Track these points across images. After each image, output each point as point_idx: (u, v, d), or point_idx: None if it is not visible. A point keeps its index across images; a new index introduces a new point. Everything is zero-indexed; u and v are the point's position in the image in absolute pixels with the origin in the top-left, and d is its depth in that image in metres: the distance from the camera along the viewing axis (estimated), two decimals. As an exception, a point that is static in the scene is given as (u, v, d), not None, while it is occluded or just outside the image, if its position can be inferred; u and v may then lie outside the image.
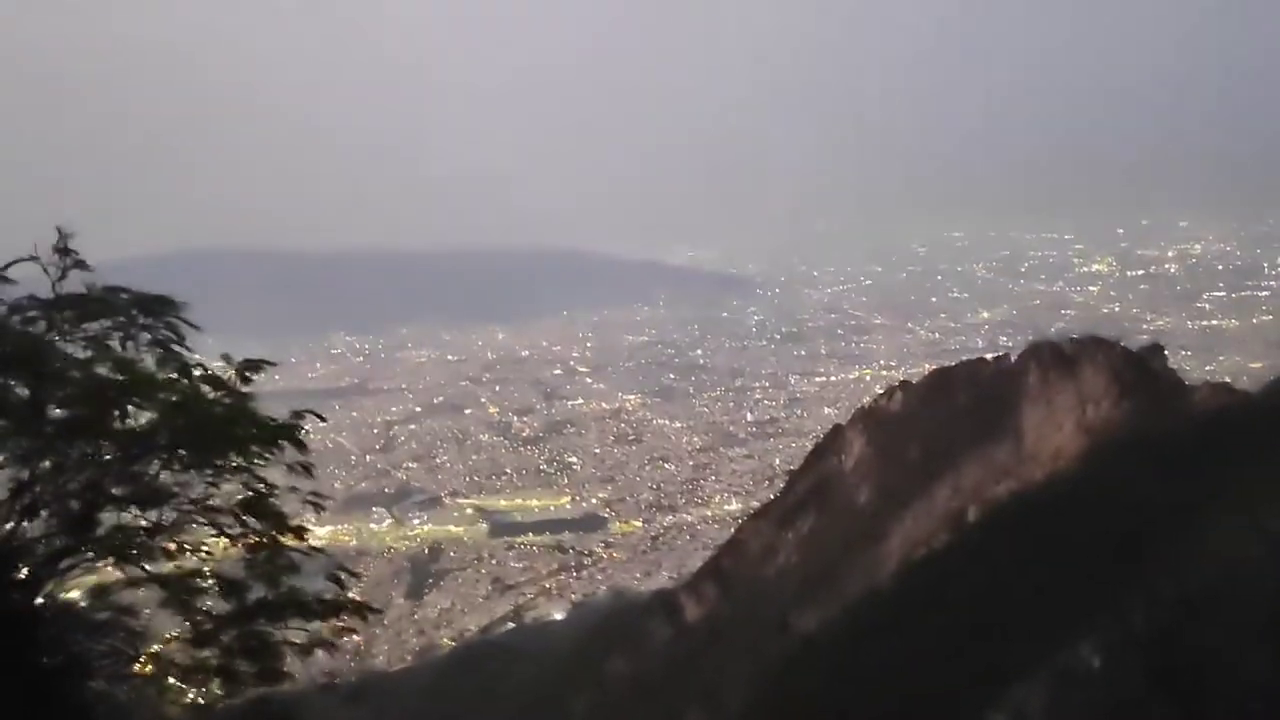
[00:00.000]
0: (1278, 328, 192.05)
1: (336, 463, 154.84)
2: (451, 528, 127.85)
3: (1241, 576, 18.52)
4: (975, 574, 28.74)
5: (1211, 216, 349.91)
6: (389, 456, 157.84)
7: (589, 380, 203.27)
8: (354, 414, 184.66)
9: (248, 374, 9.63)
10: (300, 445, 9.87)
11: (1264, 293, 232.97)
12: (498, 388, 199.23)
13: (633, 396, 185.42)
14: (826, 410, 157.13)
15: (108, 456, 8.79)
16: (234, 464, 9.25)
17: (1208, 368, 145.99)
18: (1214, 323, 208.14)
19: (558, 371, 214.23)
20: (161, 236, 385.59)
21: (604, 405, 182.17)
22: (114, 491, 8.66)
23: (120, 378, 9.13)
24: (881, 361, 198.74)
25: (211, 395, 9.39)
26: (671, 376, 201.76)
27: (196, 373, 9.39)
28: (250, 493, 9.58)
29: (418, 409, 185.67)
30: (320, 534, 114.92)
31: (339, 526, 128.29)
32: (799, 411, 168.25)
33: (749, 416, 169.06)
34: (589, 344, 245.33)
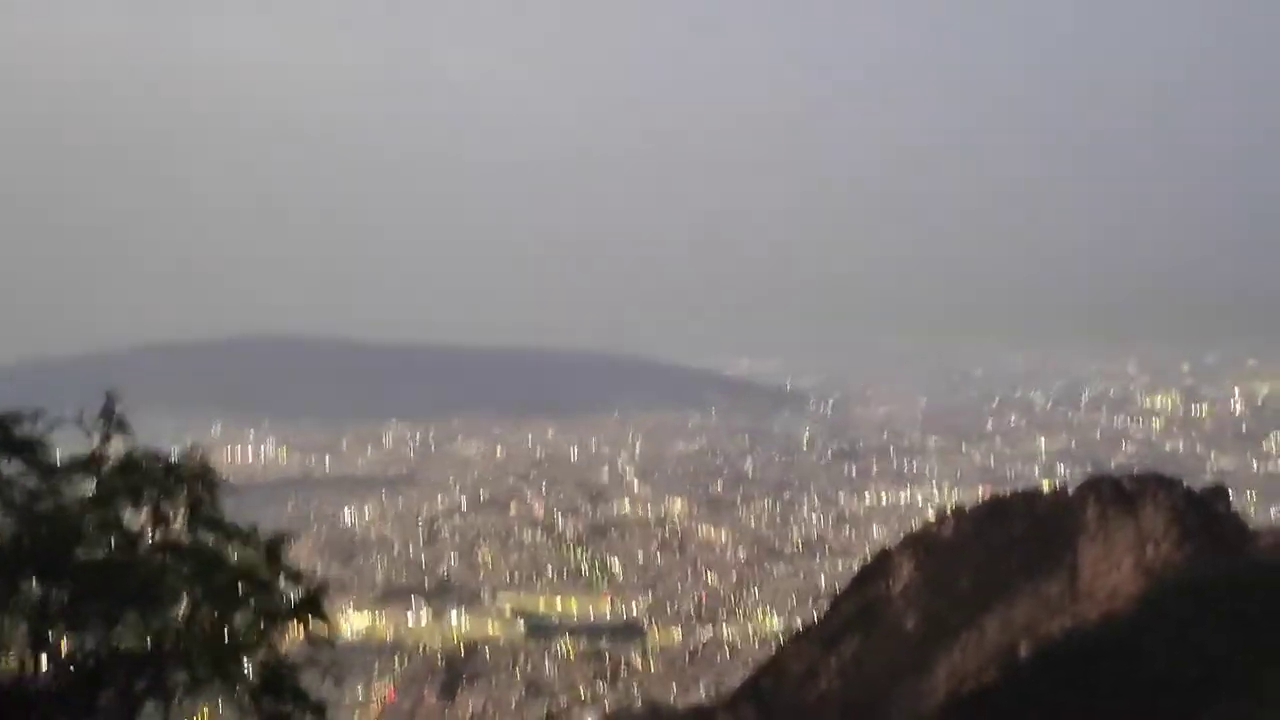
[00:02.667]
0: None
1: (379, 552, 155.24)
2: (489, 626, 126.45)
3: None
4: (1024, 714, 27.74)
5: (1277, 358, 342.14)
6: (431, 549, 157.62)
7: (636, 484, 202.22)
8: (400, 503, 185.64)
9: (273, 552, 9.90)
10: (324, 619, 10.04)
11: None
12: (544, 485, 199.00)
13: (679, 504, 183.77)
14: (876, 531, 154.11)
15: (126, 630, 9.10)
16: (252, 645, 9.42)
17: (1273, 512, 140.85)
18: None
19: (605, 473, 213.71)
20: (224, 319, 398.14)
21: (649, 511, 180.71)
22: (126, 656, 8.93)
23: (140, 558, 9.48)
24: (934, 485, 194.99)
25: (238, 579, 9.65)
26: (719, 486, 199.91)
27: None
28: (267, 669, 9.69)
29: (463, 502, 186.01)
30: (358, 625, 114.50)
31: (377, 619, 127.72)
32: (847, 531, 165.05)
33: (796, 532, 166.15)
34: (638, 448, 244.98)
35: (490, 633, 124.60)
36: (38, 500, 9.25)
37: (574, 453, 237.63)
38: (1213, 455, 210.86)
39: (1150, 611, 34.73)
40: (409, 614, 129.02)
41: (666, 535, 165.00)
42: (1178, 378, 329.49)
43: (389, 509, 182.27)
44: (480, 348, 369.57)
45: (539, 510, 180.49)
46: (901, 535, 65.79)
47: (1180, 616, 29.62)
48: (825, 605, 75.96)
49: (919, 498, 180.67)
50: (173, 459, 10.26)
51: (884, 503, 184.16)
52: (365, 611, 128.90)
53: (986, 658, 40.58)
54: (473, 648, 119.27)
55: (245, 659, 9.85)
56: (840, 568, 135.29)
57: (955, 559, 54.10)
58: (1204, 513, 46.87)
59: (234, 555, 9.95)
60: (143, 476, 9.79)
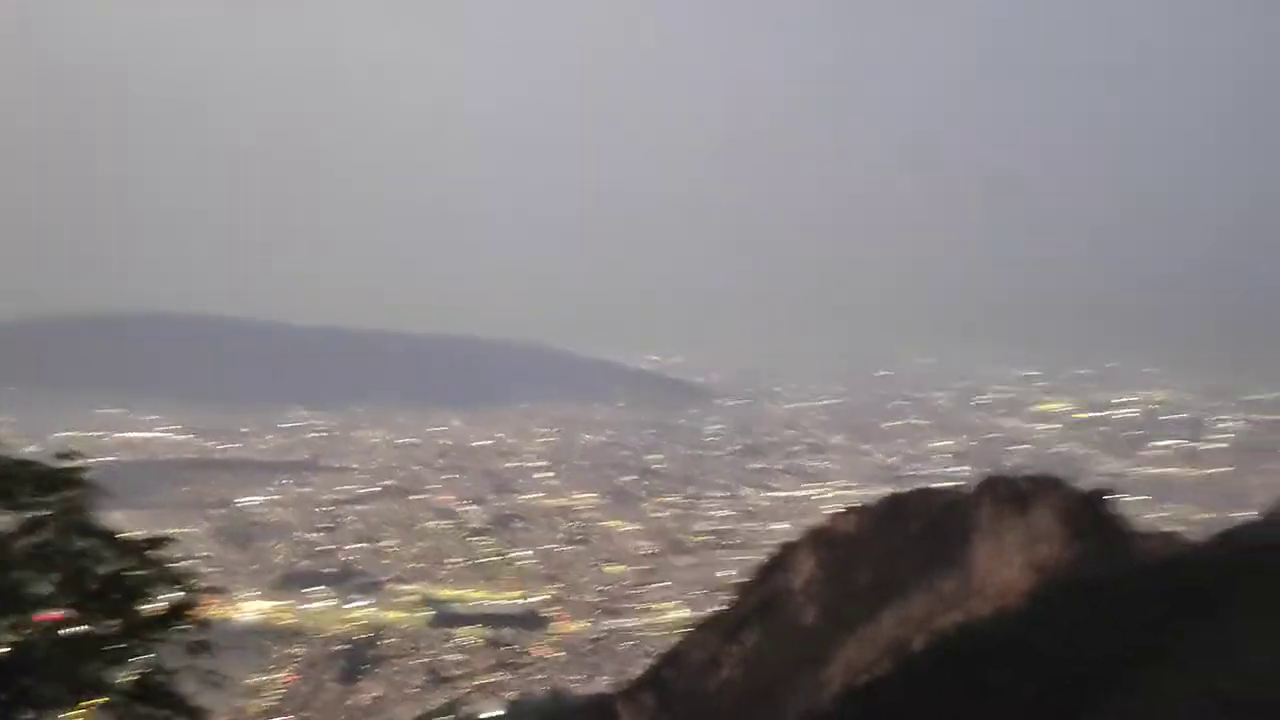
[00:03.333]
0: (1225, 481, 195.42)
1: (279, 537, 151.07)
2: (391, 614, 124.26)
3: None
4: (915, 706, 28.31)
5: (1178, 365, 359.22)
6: (333, 536, 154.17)
7: (542, 476, 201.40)
8: (301, 490, 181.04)
9: (149, 555, 9.36)
10: (200, 624, 9.54)
11: (1215, 446, 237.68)
12: (450, 475, 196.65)
13: (585, 496, 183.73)
14: (778, 526, 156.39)
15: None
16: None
17: (1156, 515, 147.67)
18: (1166, 471, 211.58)
19: (512, 464, 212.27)
20: (121, 295, 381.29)
21: (556, 502, 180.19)
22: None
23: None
24: (837, 481, 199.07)
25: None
26: (626, 479, 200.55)
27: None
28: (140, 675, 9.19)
29: (367, 490, 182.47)
30: (256, 610, 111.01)
31: (276, 604, 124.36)
32: (750, 525, 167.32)
33: (700, 526, 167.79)
34: (545, 439, 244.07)
35: (392, 620, 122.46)
36: None
37: (480, 442, 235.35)
38: (1103, 459, 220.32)
39: (1038, 608, 35.80)
40: (309, 600, 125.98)
41: (572, 526, 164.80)
42: (1076, 383, 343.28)
43: (289, 494, 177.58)
44: (388, 333, 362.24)
45: (444, 499, 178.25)
46: (804, 530, 66.65)
47: (1066, 613, 30.55)
48: (728, 597, 76.66)
49: (822, 494, 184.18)
50: (47, 463, 9.68)
51: (788, 498, 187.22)
52: (263, 598, 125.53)
53: (881, 650, 41.41)
54: (374, 635, 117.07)
55: (118, 666, 9.35)
56: (743, 561, 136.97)
57: (855, 554, 55.02)
58: (1092, 514, 48.53)
59: (109, 560, 9.48)
60: (13, 481, 9.24)
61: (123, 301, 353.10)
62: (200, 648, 9.54)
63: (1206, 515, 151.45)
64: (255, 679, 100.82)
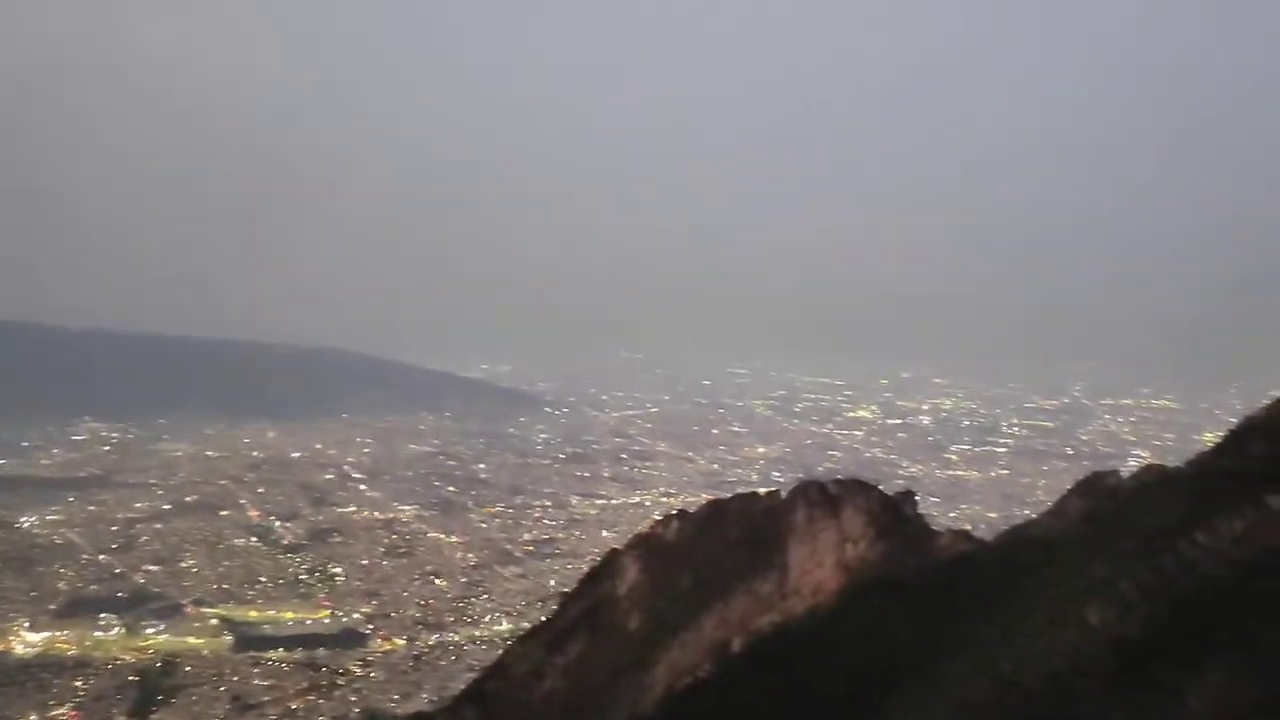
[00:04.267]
0: (1010, 482, 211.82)
1: (64, 560, 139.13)
2: (191, 639, 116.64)
3: (972, 718, 19.70)
4: (733, 705, 29.12)
5: (963, 377, 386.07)
6: (127, 557, 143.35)
7: (363, 488, 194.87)
8: (91, 508, 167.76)
9: None
10: None
11: (1000, 449, 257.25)
12: (261, 489, 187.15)
13: (408, 507, 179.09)
14: (605, 533, 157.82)
15: None
16: None
17: (951, 515, 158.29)
18: (958, 473, 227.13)
19: (330, 476, 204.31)
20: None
21: (376, 514, 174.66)
22: None
23: None
24: (662, 488, 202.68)
25: None
26: (451, 489, 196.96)
27: None
28: None
29: (167, 507, 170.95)
30: (33, 641, 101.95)
31: (57, 633, 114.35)
32: (577, 533, 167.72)
33: (527, 535, 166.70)
34: (367, 450, 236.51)
35: (193, 645, 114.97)
36: None
37: (297, 455, 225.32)
38: (905, 463, 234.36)
39: (846, 605, 37.61)
40: (97, 628, 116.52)
41: (393, 540, 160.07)
42: (877, 392, 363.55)
43: (77, 514, 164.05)
44: (194, 340, 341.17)
45: (253, 515, 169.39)
46: (629, 537, 67.41)
47: (871, 609, 32.21)
48: (553, 607, 76.52)
49: (647, 501, 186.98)
50: None
51: (614, 506, 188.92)
52: (43, 627, 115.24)
53: (702, 653, 42.37)
54: (172, 662, 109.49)
55: None
56: (570, 569, 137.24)
57: (678, 560, 56.07)
58: (895, 515, 51.40)
59: None
60: None
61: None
62: None
63: (993, 514, 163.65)
64: (31, 718, 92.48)
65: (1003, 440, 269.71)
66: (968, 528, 58.85)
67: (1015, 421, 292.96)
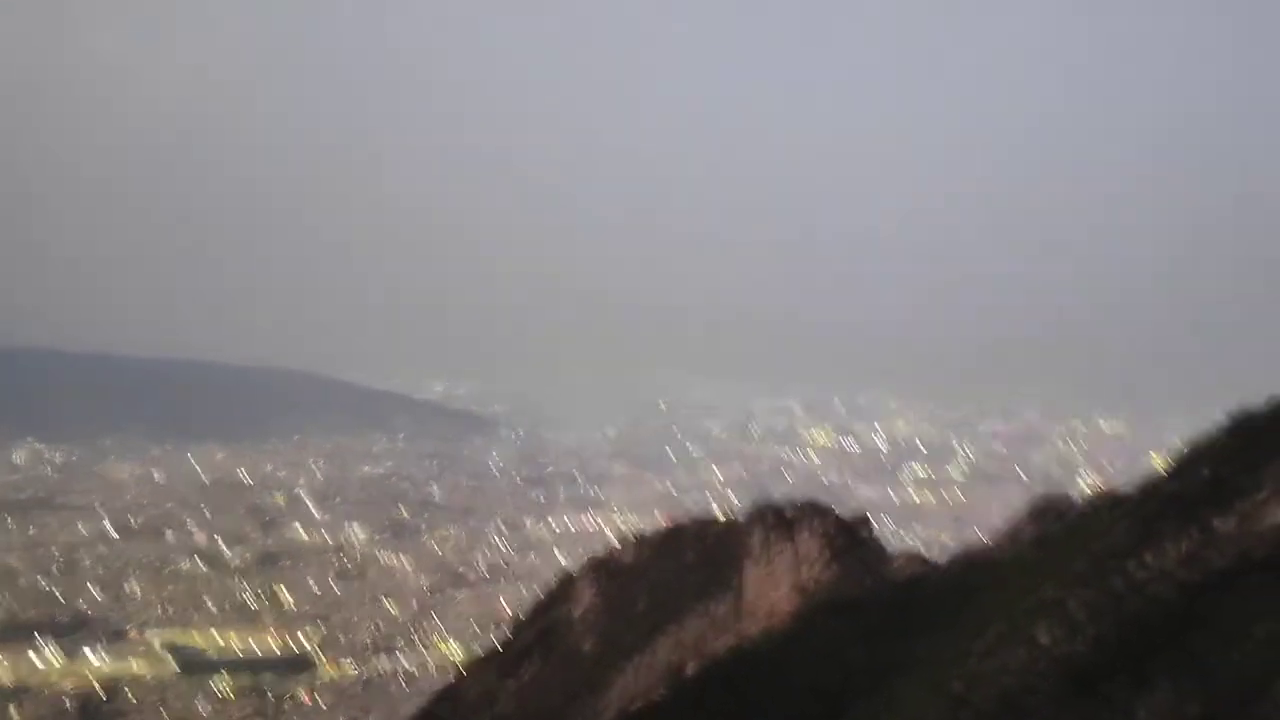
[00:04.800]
0: (963, 505, 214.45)
1: (1, 585, 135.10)
2: (134, 665, 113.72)
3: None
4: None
5: (917, 399, 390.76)
6: (67, 581, 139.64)
7: (314, 510, 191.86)
8: (31, 531, 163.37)
9: None
10: None
11: (954, 472, 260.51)
12: (208, 513, 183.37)
13: (360, 530, 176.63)
14: (560, 557, 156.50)
15: None
16: None
17: (906, 537, 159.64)
18: (912, 496, 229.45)
19: (279, 499, 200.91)
20: None
21: (327, 538, 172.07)
22: None
23: None
24: (618, 511, 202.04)
25: None
26: (404, 512, 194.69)
27: None
28: None
29: (110, 530, 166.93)
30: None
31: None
32: (532, 556, 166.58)
33: (481, 558, 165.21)
34: (318, 472, 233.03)
35: (136, 671, 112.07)
36: None
37: (245, 477, 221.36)
38: (859, 486, 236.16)
39: (801, 626, 37.60)
40: (33, 654, 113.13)
41: (344, 563, 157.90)
42: (833, 414, 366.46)
43: (17, 537, 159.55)
44: (139, 358, 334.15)
45: (200, 538, 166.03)
46: (584, 560, 67.05)
47: (826, 630, 32.27)
48: (507, 630, 75.71)
49: (603, 524, 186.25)
50: None
51: (570, 529, 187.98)
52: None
53: (657, 676, 42.07)
54: (113, 688, 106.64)
55: None
56: (524, 593, 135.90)
57: (634, 583, 55.80)
58: (850, 537, 51.62)
59: None
60: None
61: None
62: None
63: (948, 538, 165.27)
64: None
65: (956, 463, 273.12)
66: (921, 550, 59.41)
67: (969, 445, 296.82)
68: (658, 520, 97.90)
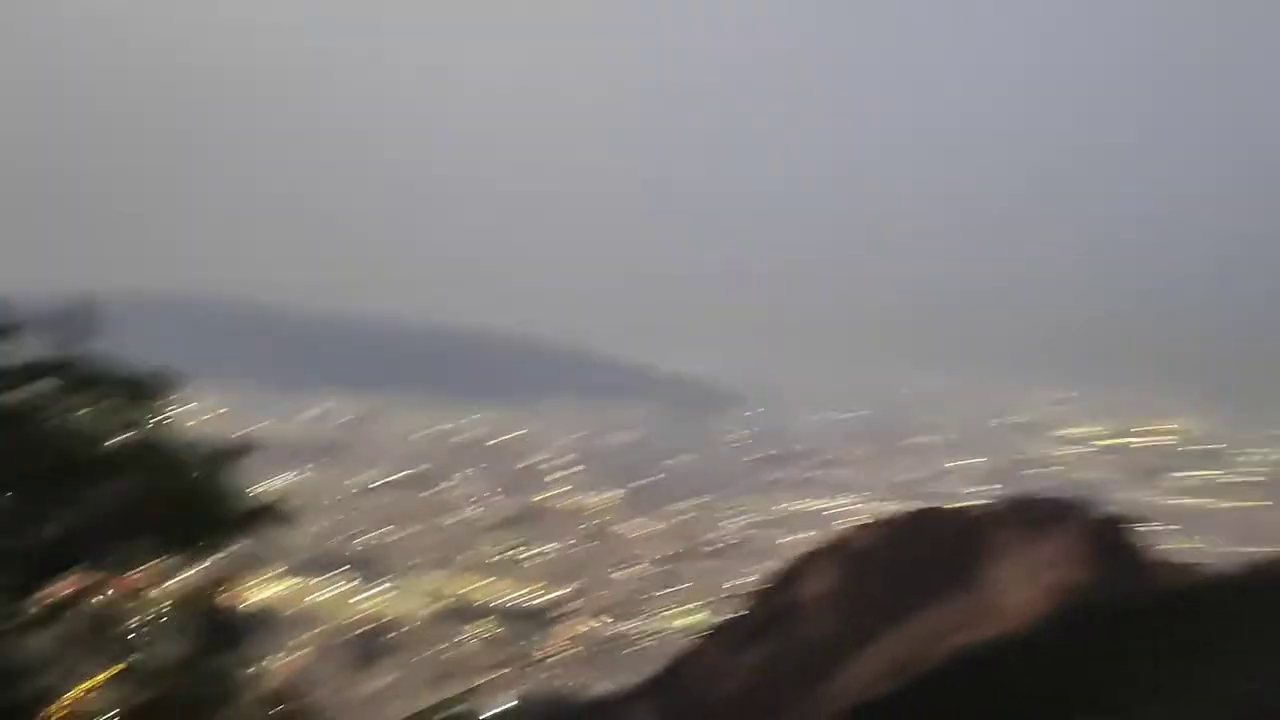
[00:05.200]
0: (1259, 516, 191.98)
1: (302, 522, 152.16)
2: (403, 604, 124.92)
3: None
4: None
5: (1200, 397, 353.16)
6: (350, 524, 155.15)
7: (563, 474, 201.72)
8: (322, 476, 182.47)
9: (234, 455, 9.84)
10: (281, 520, 10.07)
11: (1235, 479, 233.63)
12: (471, 469, 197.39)
13: (605, 496, 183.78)
14: (796, 537, 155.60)
15: (77, 523, 8.79)
16: (206, 545, 9.38)
17: (1180, 546, 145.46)
18: (1192, 501, 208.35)
19: (533, 461, 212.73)
20: (158, 275, 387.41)
21: (575, 501, 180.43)
22: (75, 553, 8.68)
23: (99, 448, 9.25)
24: (857, 496, 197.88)
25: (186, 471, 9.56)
26: (647, 482, 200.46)
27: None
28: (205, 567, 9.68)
29: (388, 479, 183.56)
30: (270, 594, 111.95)
31: (288, 588, 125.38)
32: (769, 534, 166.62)
33: (718, 532, 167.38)
34: (569, 438, 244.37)
35: (405, 610, 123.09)
36: None
37: (504, 438, 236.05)
38: (1122, 486, 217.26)
39: (1053, 632, 35.26)
40: (324, 586, 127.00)
41: (590, 527, 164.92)
42: (1101, 408, 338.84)
43: (309, 480, 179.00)
44: (417, 324, 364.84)
45: (463, 492, 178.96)
46: (821, 542, 66.17)
47: (1080, 639, 30.08)
48: (740, 606, 76.29)
49: (841, 507, 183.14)
50: (139, 373, 10.19)
51: (808, 510, 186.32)
52: (277, 580, 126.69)
53: (891, 668, 40.95)
54: (386, 624, 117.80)
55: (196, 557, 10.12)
56: (759, 571, 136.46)
57: (872, 569, 54.56)
58: (1113, 540, 47.87)
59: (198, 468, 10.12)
60: (106, 382, 9.66)
61: (145, 278, 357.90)
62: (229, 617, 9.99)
63: (1234, 549, 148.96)
64: (265, 660, 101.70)
65: (1252, 468, 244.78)
66: (1194, 560, 53.94)
67: (1266, 449, 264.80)
68: (899, 507, 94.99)
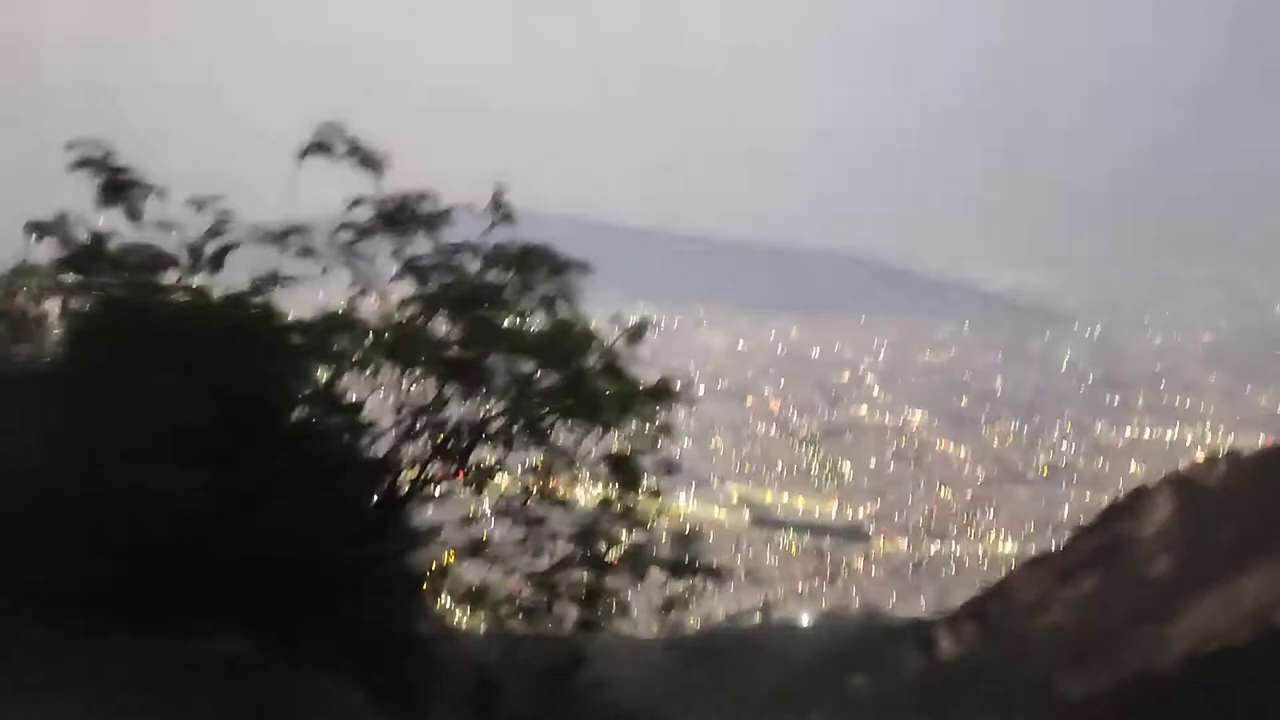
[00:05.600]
0: None
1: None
2: (715, 511, 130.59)
3: None
4: (1270, 686, 25.76)
5: None
6: (667, 431, 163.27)
7: (876, 391, 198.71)
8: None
9: (634, 336, 10.81)
10: (674, 403, 10.88)
11: None
12: (782, 382, 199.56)
13: (919, 415, 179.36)
14: (1132, 467, 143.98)
15: (495, 399, 10.09)
16: (610, 422, 10.46)
17: None
18: None
19: (845, 376, 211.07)
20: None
21: (887, 419, 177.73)
22: (491, 430, 10.01)
23: (522, 327, 10.44)
24: (1208, 425, 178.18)
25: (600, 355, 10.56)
26: (964, 402, 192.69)
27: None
28: (616, 450, 10.76)
29: (701, 390, 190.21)
30: (592, 495, 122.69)
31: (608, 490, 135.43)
32: (1100, 462, 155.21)
33: (1042, 457, 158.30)
34: (882, 354, 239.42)
35: (716, 517, 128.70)
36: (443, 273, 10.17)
37: (815, 352, 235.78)
38: None
39: None
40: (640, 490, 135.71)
41: (902, 445, 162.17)
42: None
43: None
44: (728, 240, 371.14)
45: (774, 405, 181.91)
46: (1162, 474, 61.31)
47: None
48: (1066, 535, 72.79)
49: (1188, 437, 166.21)
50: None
51: (1147, 438, 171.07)
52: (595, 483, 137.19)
53: (1240, 618, 37.68)
54: (697, 529, 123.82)
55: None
56: (1087, 499, 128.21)
57: (1221, 508, 50.10)
58: None
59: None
60: (540, 262, 10.74)
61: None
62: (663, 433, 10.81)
63: None
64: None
65: None
66: None
67: None
68: (1257, 441, 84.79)
